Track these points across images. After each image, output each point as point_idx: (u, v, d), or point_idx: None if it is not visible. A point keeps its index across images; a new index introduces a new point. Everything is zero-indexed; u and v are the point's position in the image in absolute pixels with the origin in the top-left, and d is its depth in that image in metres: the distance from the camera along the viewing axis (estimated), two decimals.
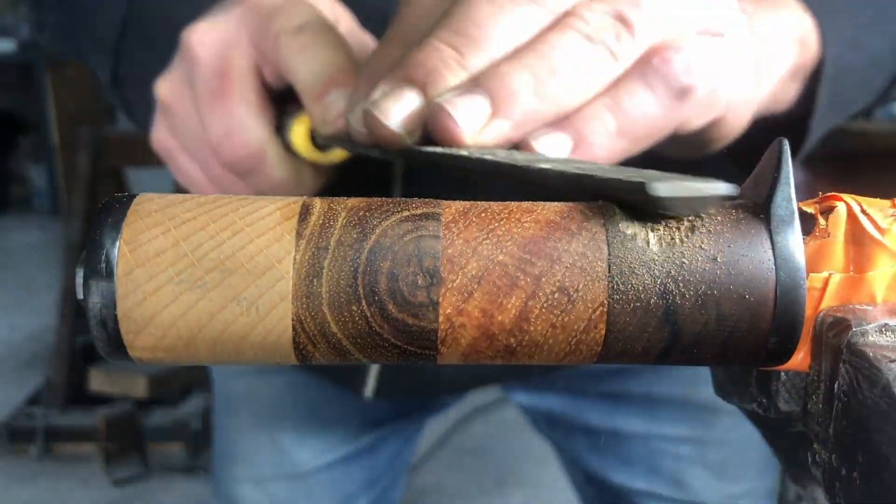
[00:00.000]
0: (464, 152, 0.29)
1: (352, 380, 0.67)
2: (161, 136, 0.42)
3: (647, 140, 0.33)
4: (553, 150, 0.32)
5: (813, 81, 0.43)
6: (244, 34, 0.38)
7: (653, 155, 0.35)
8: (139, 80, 0.46)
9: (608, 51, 0.31)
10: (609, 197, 0.25)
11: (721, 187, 0.23)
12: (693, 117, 0.34)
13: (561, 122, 0.31)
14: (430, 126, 0.30)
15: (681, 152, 0.39)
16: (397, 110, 0.30)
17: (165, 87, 0.40)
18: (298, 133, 0.39)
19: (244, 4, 0.39)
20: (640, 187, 0.22)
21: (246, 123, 0.37)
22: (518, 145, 0.31)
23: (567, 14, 0.31)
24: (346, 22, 0.42)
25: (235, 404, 0.77)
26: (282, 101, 0.40)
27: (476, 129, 0.30)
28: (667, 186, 0.22)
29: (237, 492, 0.77)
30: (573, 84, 0.30)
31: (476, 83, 0.30)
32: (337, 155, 0.40)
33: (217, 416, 0.80)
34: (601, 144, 0.32)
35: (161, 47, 0.42)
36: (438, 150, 0.30)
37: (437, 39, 0.30)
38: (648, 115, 0.32)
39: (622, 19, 0.31)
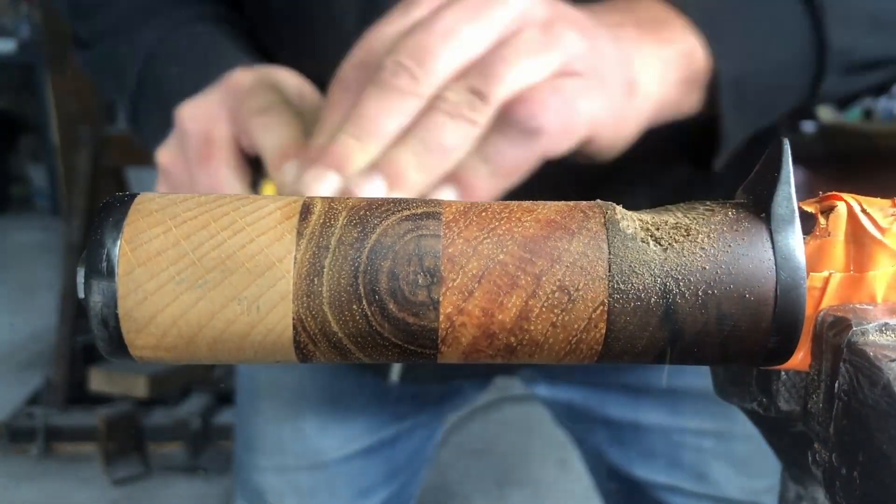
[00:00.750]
0: None
1: (377, 364, 0.67)
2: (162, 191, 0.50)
3: (517, 174, 0.40)
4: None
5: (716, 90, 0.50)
6: (224, 110, 0.48)
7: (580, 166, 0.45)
8: (151, 127, 0.57)
9: (466, 120, 0.39)
10: None
11: None
12: (554, 145, 0.40)
13: (448, 178, 0.40)
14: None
15: (585, 161, 0.46)
16: (324, 189, 0.39)
17: (164, 154, 0.49)
18: (268, 191, 0.47)
19: (225, 86, 0.49)
20: None
21: (227, 182, 0.46)
22: None
23: (434, 97, 0.39)
24: (310, 95, 0.51)
25: (259, 393, 0.79)
26: (257, 164, 0.49)
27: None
28: None
29: (260, 480, 0.78)
30: (445, 153, 0.39)
31: (375, 167, 0.38)
32: None
33: (240, 405, 0.83)
34: (482, 187, 0.40)
35: (164, 108, 0.51)
36: None
37: (345, 133, 0.39)
38: (511, 157, 0.40)
39: (475, 91, 0.38)
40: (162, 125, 0.50)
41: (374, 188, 0.38)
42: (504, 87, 0.39)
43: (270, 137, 0.44)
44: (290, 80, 0.50)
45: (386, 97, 0.39)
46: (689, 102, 0.50)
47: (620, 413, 0.75)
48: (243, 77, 0.50)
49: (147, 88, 0.58)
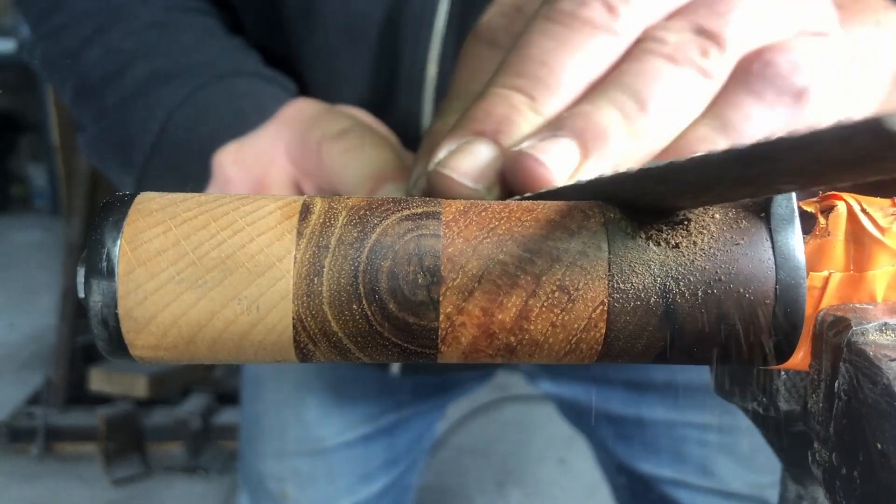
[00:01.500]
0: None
1: None
2: None
3: None
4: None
5: None
6: (280, 148, 0.38)
7: None
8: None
9: (697, 69, 0.27)
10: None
11: None
12: (819, 122, 0.29)
13: (666, 152, 0.28)
14: (512, 177, 0.27)
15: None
16: (469, 164, 0.27)
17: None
18: None
19: (277, 120, 0.39)
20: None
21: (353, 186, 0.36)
22: None
23: (641, 39, 0.28)
24: (383, 130, 0.40)
25: (262, 381, 0.79)
26: None
27: (568, 173, 0.27)
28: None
29: (261, 466, 0.78)
30: (666, 113, 0.27)
31: (557, 126, 0.27)
32: None
33: (245, 393, 0.82)
34: None
35: (183, 171, 0.43)
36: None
37: (500, 86, 0.27)
38: (764, 128, 0.28)
39: (705, 32, 0.27)
40: (181, 183, 0.42)
41: (563, 152, 0.26)
42: (744, 33, 0.28)
43: (357, 162, 0.35)
44: (361, 113, 0.40)
45: (568, 34, 0.27)
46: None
47: (623, 408, 0.75)
48: (306, 106, 0.40)
49: (163, 152, 0.48)
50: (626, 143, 0.27)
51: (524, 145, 0.27)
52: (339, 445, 0.77)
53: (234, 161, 0.39)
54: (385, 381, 0.75)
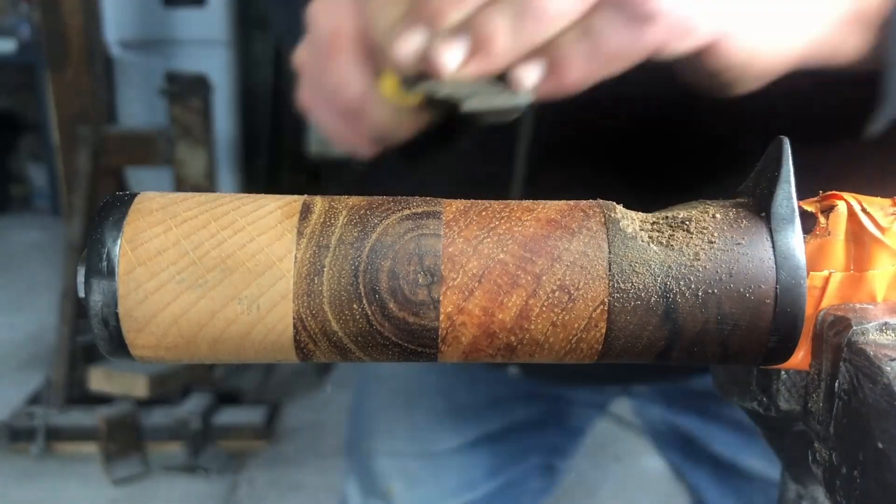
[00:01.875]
0: (441, 89, 0.36)
1: None
2: (301, 95, 0.50)
3: (618, 63, 0.36)
4: (528, 77, 0.36)
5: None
6: (352, 4, 0.45)
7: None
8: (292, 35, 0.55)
9: None
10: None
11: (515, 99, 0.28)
12: (666, 41, 0.36)
13: (539, 52, 0.36)
14: (426, 61, 0.37)
15: (710, 89, 0.40)
16: (407, 48, 0.37)
17: (299, 54, 0.48)
18: (386, 84, 0.45)
19: None
20: (458, 104, 0.27)
21: (350, 75, 0.43)
22: (501, 76, 0.37)
23: None
24: None
25: (378, 382, 0.80)
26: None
27: (455, 66, 0.36)
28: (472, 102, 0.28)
29: (373, 463, 0.80)
30: (544, 19, 0.34)
31: (464, 25, 0.35)
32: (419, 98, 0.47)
33: (359, 390, 0.84)
34: (576, 68, 0.36)
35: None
36: (432, 86, 0.37)
37: None
38: (615, 40, 0.35)
39: None
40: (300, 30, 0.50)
41: (456, 49, 0.36)
42: None
43: (384, 15, 0.41)
44: None
45: None
46: (850, 46, 0.42)
47: (726, 451, 0.74)
48: None
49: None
50: (506, 42, 0.35)
51: (436, 39, 0.36)
52: (447, 450, 0.78)
53: (320, 13, 0.46)
54: (496, 390, 0.75)
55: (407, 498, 0.79)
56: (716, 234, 0.24)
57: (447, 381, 0.77)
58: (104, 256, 0.24)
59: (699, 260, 0.24)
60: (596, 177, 0.47)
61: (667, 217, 0.25)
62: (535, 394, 0.78)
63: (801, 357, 0.26)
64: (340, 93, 0.44)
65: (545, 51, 0.36)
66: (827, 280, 0.25)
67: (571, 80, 0.36)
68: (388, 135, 0.45)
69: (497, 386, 0.76)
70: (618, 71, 0.36)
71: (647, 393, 0.78)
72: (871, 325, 0.24)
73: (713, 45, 0.37)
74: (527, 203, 0.25)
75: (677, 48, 0.36)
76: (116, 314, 0.24)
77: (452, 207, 0.25)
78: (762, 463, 0.72)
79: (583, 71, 0.36)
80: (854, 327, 0.24)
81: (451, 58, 0.36)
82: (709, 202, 0.26)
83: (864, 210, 0.25)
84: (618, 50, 0.35)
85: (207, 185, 2.11)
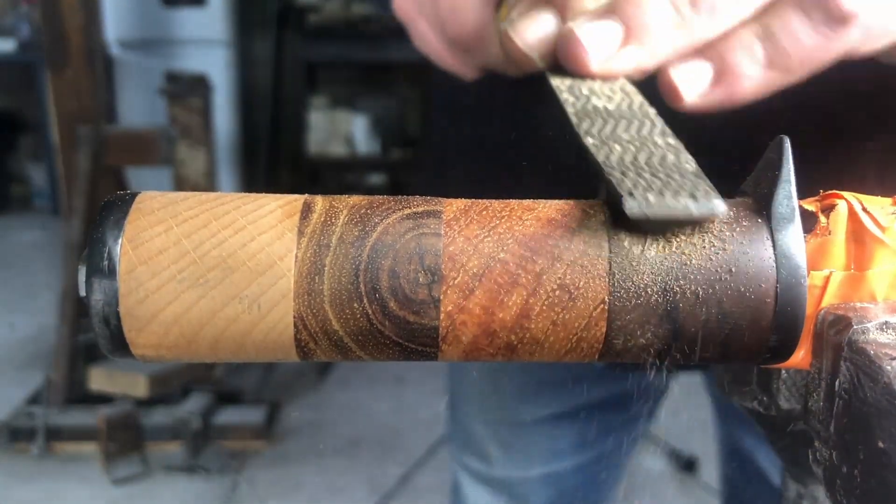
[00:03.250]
0: (565, 94, 0.29)
1: None
2: (401, 2, 0.45)
3: (801, 71, 0.31)
4: (692, 79, 0.31)
5: None
6: None
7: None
8: None
9: None
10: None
11: (695, 209, 0.23)
12: (857, 45, 0.31)
13: (704, 50, 0.30)
14: (559, 52, 0.30)
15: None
16: (531, 32, 0.31)
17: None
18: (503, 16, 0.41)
19: None
20: (618, 199, 0.23)
21: (470, 4, 0.38)
22: (654, 75, 0.31)
23: None
24: None
25: None
26: None
27: (605, 55, 0.29)
28: (638, 205, 0.23)
29: (472, 426, 0.84)
30: (716, 10, 0.29)
31: (612, 8, 0.29)
32: None
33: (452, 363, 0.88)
34: (749, 76, 0.30)
35: None
36: (557, 82, 0.30)
37: None
38: (803, 45, 0.30)
39: None
40: None
41: (605, 33, 0.29)
42: None
43: None
44: None
45: None
46: None
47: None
48: None
49: None
50: (670, 34, 0.29)
51: (574, 23, 0.29)
52: (533, 421, 0.80)
53: None
54: (577, 369, 0.77)
55: (502, 461, 0.82)
56: (716, 234, 0.24)
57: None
58: (105, 255, 0.24)
59: (699, 259, 0.24)
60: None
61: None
62: (614, 369, 0.79)
63: (801, 356, 0.26)
64: (456, 18, 0.39)
65: (712, 52, 0.30)
66: (827, 279, 0.25)
67: (745, 89, 0.31)
68: (497, 68, 0.39)
69: (574, 364, 0.76)
70: (799, 79, 0.31)
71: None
72: (871, 324, 0.24)
73: None
74: (527, 202, 0.25)
75: (864, 51, 0.32)
76: (117, 313, 0.24)
77: (453, 207, 0.25)
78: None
79: (760, 79, 0.30)
80: (855, 326, 0.24)
81: (603, 44, 0.29)
82: None
83: (864, 209, 0.25)
84: (805, 55, 0.30)
85: (207, 184, 2.11)
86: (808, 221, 0.26)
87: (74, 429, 2.02)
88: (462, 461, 0.86)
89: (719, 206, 0.23)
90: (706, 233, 0.24)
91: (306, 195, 0.26)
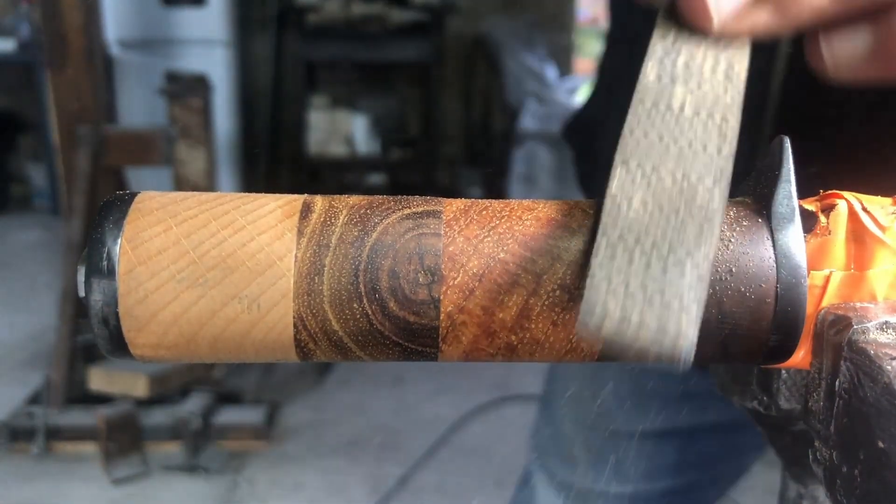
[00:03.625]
0: (652, 63, 0.26)
1: None
2: None
3: None
4: (846, 49, 0.27)
5: None
6: None
7: None
8: None
9: None
10: None
11: (656, 349, 0.21)
12: None
13: (859, 17, 0.26)
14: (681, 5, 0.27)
15: None
16: None
17: None
18: None
19: None
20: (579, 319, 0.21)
21: None
22: (804, 36, 0.27)
23: None
24: None
25: None
26: None
27: (732, 8, 0.26)
28: (593, 327, 0.21)
29: (561, 425, 0.80)
30: None
31: None
32: None
33: None
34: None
35: None
36: (658, 37, 0.27)
37: None
38: None
39: None
40: None
41: None
42: None
43: None
44: None
45: None
46: None
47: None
48: None
49: None
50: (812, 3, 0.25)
51: None
52: (631, 433, 0.75)
53: None
54: (691, 383, 0.72)
55: (588, 469, 0.77)
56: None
57: (631, 366, 0.73)
58: (104, 255, 0.24)
59: None
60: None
61: None
62: (720, 402, 0.76)
63: (801, 356, 0.26)
64: None
65: (871, 17, 0.26)
66: (827, 279, 0.25)
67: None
68: None
69: (691, 379, 0.70)
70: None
71: None
72: (871, 324, 0.24)
73: None
74: (527, 202, 0.25)
75: None
76: (116, 313, 0.24)
77: (453, 207, 0.25)
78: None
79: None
80: (855, 326, 0.24)
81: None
82: None
83: (864, 209, 0.25)
84: None
85: (207, 184, 2.11)
86: (809, 221, 0.25)
87: (74, 429, 2.02)
88: (543, 459, 0.81)
89: (686, 355, 0.21)
90: None
91: (306, 195, 0.26)
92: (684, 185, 0.23)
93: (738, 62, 0.26)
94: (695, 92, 0.25)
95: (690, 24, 0.26)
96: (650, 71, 0.26)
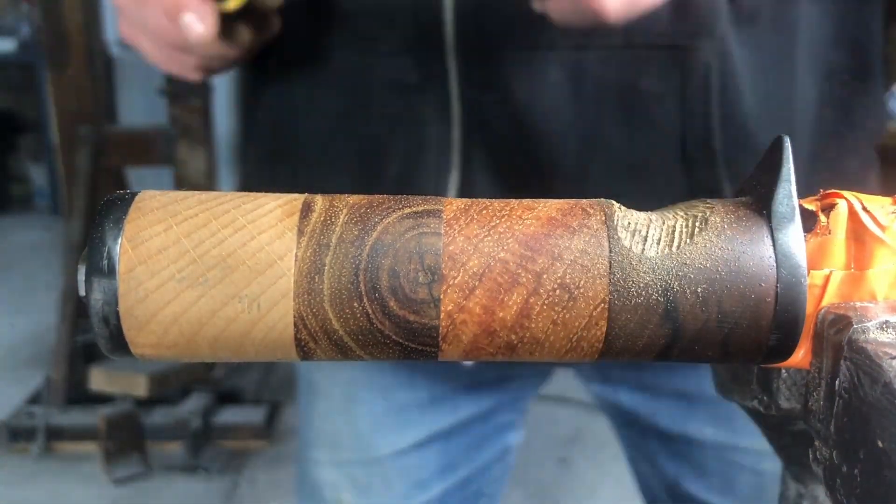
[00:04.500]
0: None
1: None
2: (122, 29, 0.52)
3: None
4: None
5: None
6: None
7: None
8: None
9: None
10: None
11: None
12: None
13: None
14: None
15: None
16: None
17: None
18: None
19: None
20: None
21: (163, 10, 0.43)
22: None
23: None
24: None
25: (315, 390, 0.79)
26: None
27: None
28: None
29: (318, 474, 0.78)
30: None
31: None
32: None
33: (300, 401, 0.83)
34: None
35: None
36: None
37: None
38: None
39: None
40: None
41: None
42: None
43: None
44: None
45: None
46: None
47: (671, 423, 0.73)
48: None
49: None
50: None
51: None
52: (393, 453, 0.76)
53: None
54: (436, 385, 0.74)
55: (358, 498, 0.77)
56: (716, 233, 0.24)
57: (385, 380, 0.75)
58: (105, 255, 0.24)
59: (699, 258, 0.24)
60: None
61: (667, 215, 0.25)
62: (477, 382, 0.76)
63: (801, 355, 0.26)
64: (160, 26, 0.45)
65: None
66: (827, 278, 0.25)
67: (611, 7, 0.35)
68: (215, 60, 0.45)
69: (437, 382, 0.74)
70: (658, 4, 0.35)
71: (588, 369, 0.76)
72: (871, 323, 0.24)
73: None
74: (527, 202, 0.25)
75: None
76: (117, 312, 0.24)
77: (453, 206, 0.25)
78: (710, 429, 0.71)
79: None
80: (855, 326, 0.24)
81: None
82: (709, 200, 0.26)
83: (864, 208, 0.25)
84: None
85: (207, 184, 2.11)
86: (808, 221, 0.26)
87: (74, 428, 2.02)
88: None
89: None
90: (706, 232, 0.24)
91: (306, 194, 0.26)
92: None
93: None
94: None
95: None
96: None
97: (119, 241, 0.24)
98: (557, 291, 0.24)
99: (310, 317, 0.24)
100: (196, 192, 0.26)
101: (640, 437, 0.78)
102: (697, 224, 0.25)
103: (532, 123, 0.52)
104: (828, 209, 0.26)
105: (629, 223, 0.25)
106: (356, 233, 0.24)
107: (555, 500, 2.01)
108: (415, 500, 0.77)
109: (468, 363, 0.70)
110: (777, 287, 0.24)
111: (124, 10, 0.50)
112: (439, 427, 0.76)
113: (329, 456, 0.78)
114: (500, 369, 0.76)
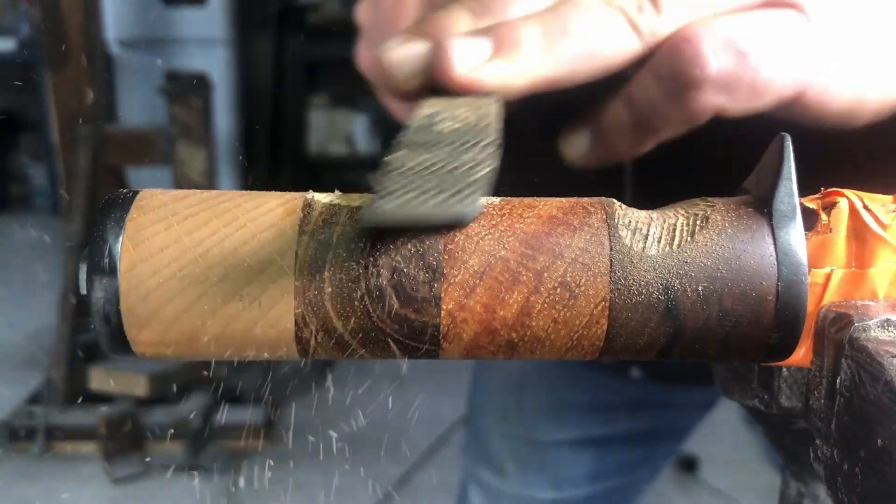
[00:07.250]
0: (415, 119, 0.27)
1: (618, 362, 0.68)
2: (360, 54, 0.45)
3: (666, 131, 0.31)
4: (574, 144, 0.33)
5: None
6: None
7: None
8: None
9: (626, 19, 0.29)
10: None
11: (439, 213, 0.20)
12: (729, 103, 0.30)
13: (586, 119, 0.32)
14: (429, 67, 0.30)
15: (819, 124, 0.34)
16: (400, 52, 0.30)
17: (362, 9, 0.44)
18: None
19: None
20: (369, 206, 0.21)
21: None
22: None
23: None
24: None
25: (492, 365, 0.82)
26: None
27: (471, 65, 0.29)
28: (375, 211, 0.20)
29: (489, 439, 0.83)
30: (585, 46, 0.29)
31: (484, 30, 0.29)
32: None
33: (475, 369, 0.87)
34: (622, 139, 0.32)
35: None
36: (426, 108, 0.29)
37: (458, 4, 0.31)
38: (658, 106, 0.30)
39: None
40: None
41: (474, 46, 0.29)
42: (684, 4, 0.29)
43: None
44: None
45: None
46: None
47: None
48: None
49: None
50: (537, 55, 0.29)
51: (445, 38, 0.29)
52: (552, 443, 0.79)
53: None
54: (599, 395, 0.76)
55: (517, 478, 0.81)
56: (717, 231, 0.24)
57: (551, 377, 0.77)
58: (106, 253, 0.24)
59: (700, 256, 0.24)
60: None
61: (668, 214, 0.25)
62: (641, 403, 0.76)
63: (802, 354, 0.26)
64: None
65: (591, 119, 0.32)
66: (828, 277, 0.25)
67: (621, 150, 0.32)
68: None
69: (600, 391, 0.76)
70: (676, 135, 0.31)
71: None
72: (872, 321, 0.24)
73: (801, 97, 0.31)
74: (528, 200, 0.25)
75: (749, 107, 0.30)
76: (118, 311, 0.24)
77: None
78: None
79: (631, 141, 0.32)
80: (856, 324, 0.24)
81: (471, 55, 0.29)
82: (710, 199, 0.26)
83: (865, 207, 0.25)
84: (661, 119, 0.30)
85: (207, 184, 2.11)
86: (809, 219, 0.26)
87: (74, 428, 2.02)
88: (474, 473, 0.85)
89: (469, 212, 0.21)
90: (707, 230, 0.24)
91: (307, 193, 0.26)
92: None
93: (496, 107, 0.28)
94: (461, 120, 0.27)
95: (442, 84, 0.29)
96: (413, 121, 0.27)
97: (120, 239, 0.24)
98: (558, 290, 0.24)
99: (311, 315, 0.24)
100: (197, 190, 0.26)
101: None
102: (698, 222, 0.25)
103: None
104: (829, 207, 0.26)
105: (630, 221, 0.25)
106: (357, 231, 0.24)
107: None
108: (563, 492, 0.81)
109: (636, 373, 0.71)
110: (778, 285, 0.24)
111: (366, 33, 0.43)
112: (594, 434, 0.78)
113: (498, 426, 0.82)
114: (663, 394, 0.77)
